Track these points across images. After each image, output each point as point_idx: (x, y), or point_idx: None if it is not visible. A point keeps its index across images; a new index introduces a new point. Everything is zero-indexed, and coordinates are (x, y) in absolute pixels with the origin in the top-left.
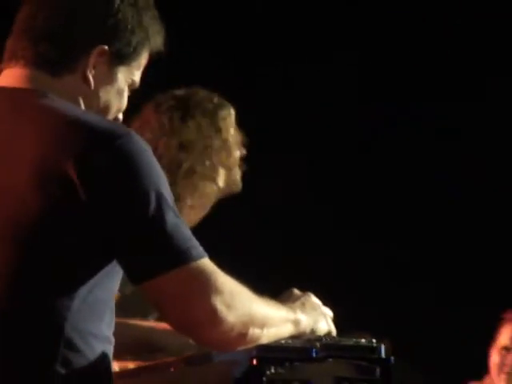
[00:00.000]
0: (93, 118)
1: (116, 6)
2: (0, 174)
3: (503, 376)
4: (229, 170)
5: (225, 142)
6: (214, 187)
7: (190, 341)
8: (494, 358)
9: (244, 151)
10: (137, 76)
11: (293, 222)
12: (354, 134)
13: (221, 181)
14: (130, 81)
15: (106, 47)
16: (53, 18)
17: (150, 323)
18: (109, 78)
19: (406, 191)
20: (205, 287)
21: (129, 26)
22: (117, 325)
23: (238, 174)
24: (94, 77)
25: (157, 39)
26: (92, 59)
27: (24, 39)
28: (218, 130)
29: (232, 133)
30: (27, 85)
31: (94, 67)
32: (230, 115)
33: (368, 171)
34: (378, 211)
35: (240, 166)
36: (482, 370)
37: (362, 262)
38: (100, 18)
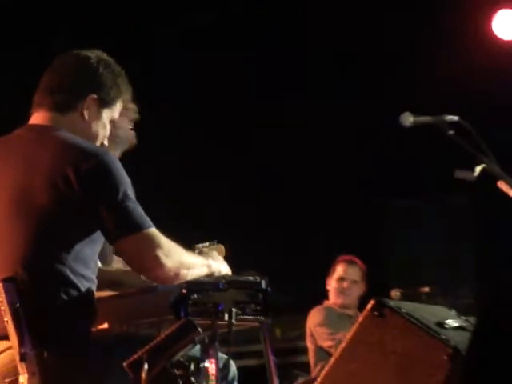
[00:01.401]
0: (84, 143)
1: (100, 71)
2: (27, 176)
3: (341, 296)
4: None
5: None
6: None
7: (142, 278)
8: (333, 285)
9: None
10: (116, 115)
11: None
12: None
13: None
14: (111, 118)
15: (95, 96)
16: (60, 80)
17: (118, 269)
18: (97, 116)
19: None
20: (152, 245)
21: (108, 84)
22: (98, 270)
23: None
24: (87, 114)
25: (126, 94)
26: (86, 103)
27: (45, 94)
28: None
29: None
30: (47, 123)
31: (88, 108)
32: None
33: None
34: None
35: None
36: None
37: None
38: (90, 78)
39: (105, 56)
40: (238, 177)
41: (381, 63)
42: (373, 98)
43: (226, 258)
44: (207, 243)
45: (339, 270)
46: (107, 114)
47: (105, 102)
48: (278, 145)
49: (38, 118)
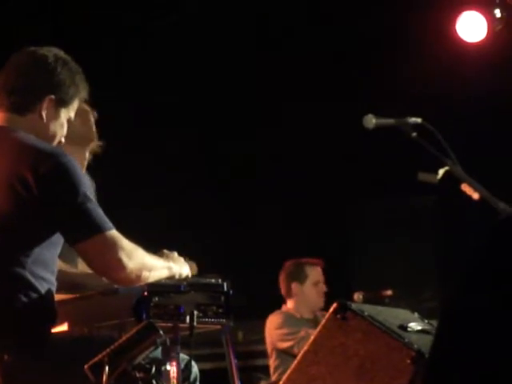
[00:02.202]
0: (41, 144)
1: (58, 70)
2: None
3: (321, 299)
4: None
5: None
6: None
7: (104, 280)
8: (310, 289)
9: None
10: (72, 114)
11: None
12: None
13: None
14: (68, 117)
15: (53, 96)
16: (18, 80)
17: (78, 271)
18: (55, 116)
19: None
20: (113, 246)
21: (66, 83)
22: (58, 272)
23: None
24: (46, 115)
25: (83, 92)
26: (44, 104)
27: (2, 95)
28: None
29: None
30: (4, 123)
31: (46, 109)
32: None
33: None
34: None
35: None
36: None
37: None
38: (48, 78)
39: (62, 54)
40: (207, 175)
41: (344, 65)
42: (336, 99)
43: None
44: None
45: (315, 273)
46: (65, 114)
47: (63, 102)
48: (243, 145)
49: None
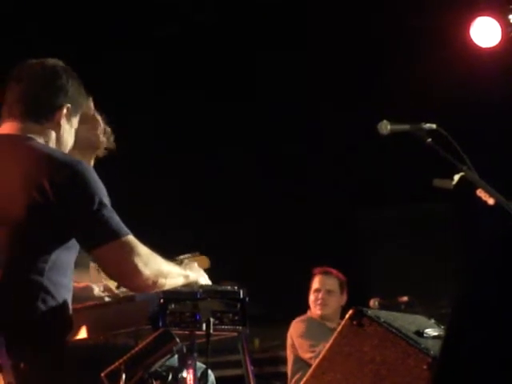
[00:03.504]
0: (58, 153)
1: (69, 81)
2: (1, 189)
3: (318, 307)
4: None
5: None
6: None
7: (95, 294)
8: (311, 297)
9: None
10: (76, 123)
11: None
12: None
13: None
14: (75, 127)
15: (69, 105)
16: (35, 90)
17: None
18: (70, 125)
19: None
20: (130, 252)
21: (76, 93)
22: None
23: None
24: (62, 123)
25: (86, 100)
26: (62, 113)
27: (16, 105)
28: None
29: None
30: (20, 132)
31: (63, 117)
32: None
33: None
34: None
35: None
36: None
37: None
38: (62, 88)
39: (66, 66)
40: (213, 191)
41: (359, 72)
42: (351, 105)
43: (207, 269)
44: (188, 254)
45: (315, 281)
46: (75, 122)
47: (74, 111)
48: (253, 154)
49: (8, 127)
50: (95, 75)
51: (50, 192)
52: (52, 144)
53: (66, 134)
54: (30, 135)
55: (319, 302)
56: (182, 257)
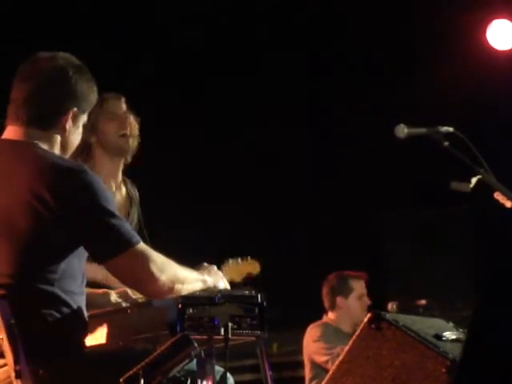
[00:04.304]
0: (61, 160)
1: (79, 82)
2: (3, 194)
3: (365, 313)
4: None
5: None
6: None
7: (112, 300)
8: (354, 303)
9: None
10: (86, 117)
11: None
12: None
13: None
14: (84, 122)
15: (76, 109)
16: (40, 92)
17: (88, 290)
18: (76, 126)
19: None
20: (144, 260)
21: (86, 92)
22: None
23: None
24: (68, 127)
25: (96, 96)
26: (68, 117)
27: (22, 108)
28: None
29: None
30: (23, 138)
31: (69, 121)
32: None
33: None
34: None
35: None
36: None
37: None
38: (70, 91)
39: (77, 61)
40: (239, 195)
41: (377, 75)
42: (367, 110)
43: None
44: (239, 258)
45: (359, 287)
46: (82, 120)
47: (82, 111)
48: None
49: (13, 132)
50: (95, 75)
51: (52, 203)
52: (57, 148)
53: (73, 137)
54: (34, 141)
55: (367, 307)
56: (231, 261)
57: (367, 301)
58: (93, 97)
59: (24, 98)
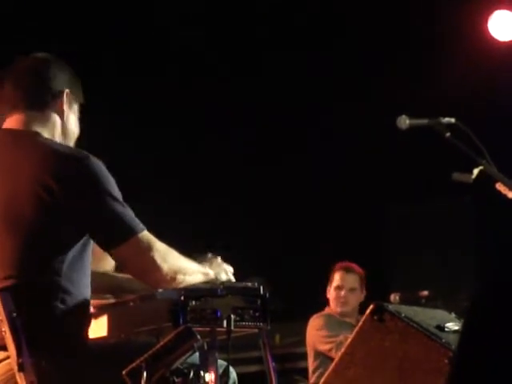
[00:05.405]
0: (64, 148)
1: (64, 70)
2: (8, 185)
3: (339, 304)
4: None
5: None
6: None
7: (142, 285)
8: (332, 293)
9: None
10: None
11: None
12: None
13: None
14: (77, 114)
15: (68, 90)
16: (32, 79)
17: (125, 275)
18: (72, 111)
19: None
20: (148, 249)
21: (74, 80)
22: (98, 274)
23: None
24: (65, 109)
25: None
26: (63, 98)
27: (18, 93)
28: None
29: None
30: (24, 126)
31: (65, 103)
32: None
33: None
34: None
35: None
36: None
37: None
38: (60, 74)
39: (54, 57)
40: (239, 183)
41: (378, 66)
42: (369, 99)
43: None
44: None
45: (336, 278)
46: (76, 111)
47: (75, 98)
48: (278, 149)
49: (13, 121)
50: (95, 74)
51: (58, 191)
52: (58, 134)
53: (71, 121)
54: (35, 129)
55: (341, 300)
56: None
57: (342, 293)
58: (79, 89)
59: (15, 83)
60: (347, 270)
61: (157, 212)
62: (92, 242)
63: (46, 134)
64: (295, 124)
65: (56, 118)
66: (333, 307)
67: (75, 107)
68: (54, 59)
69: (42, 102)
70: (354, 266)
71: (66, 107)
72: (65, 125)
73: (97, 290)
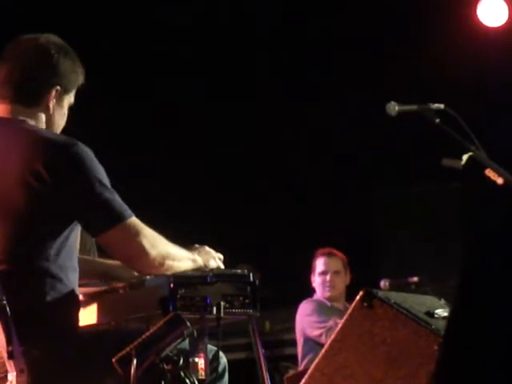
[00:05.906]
0: (52, 135)
1: (61, 61)
2: None
3: (326, 289)
4: None
5: None
6: None
7: (132, 273)
8: (317, 279)
9: None
10: (72, 99)
11: None
12: None
13: None
14: (70, 103)
15: (59, 87)
16: (23, 73)
17: (114, 262)
18: (60, 106)
19: None
20: (135, 234)
21: (69, 71)
22: (85, 260)
23: None
24: (52, 106)
25: (82, 77)
26: (51, 95)
27: (7, 87)
28: None
29: None
30: (11, 115)
31: (52, 100)
32: None
33: None
34: None
35: None
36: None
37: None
38: (53, 69)
39: (60, 41)
40: (227, 169)
41: (366, 52)
42: (358, 86)
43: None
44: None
45: (319, 263)
46: (67, 101)
47: (66, 91)
48: (262, 135)
49: (1, 110)
50: (95, 73)
51: (46, 177)
52: (42, 126)
53: (58, 116)
54: (21, 118)
55: (328, 284)
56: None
57: (328, 278)
58: (76, 77)
59: (6, 76)
60: (329, 255)
61: (144, 200)
62: (78, 226)
63: (31, 124)
64: (283, 108)
65: (41, 114)
66: (320, 293)
67: (66, 98)
68: (55, 46)
69: (29, 98)
70: (335, 250)
71: (52, 104)
72: (50, 119)
73: (84, 275)
